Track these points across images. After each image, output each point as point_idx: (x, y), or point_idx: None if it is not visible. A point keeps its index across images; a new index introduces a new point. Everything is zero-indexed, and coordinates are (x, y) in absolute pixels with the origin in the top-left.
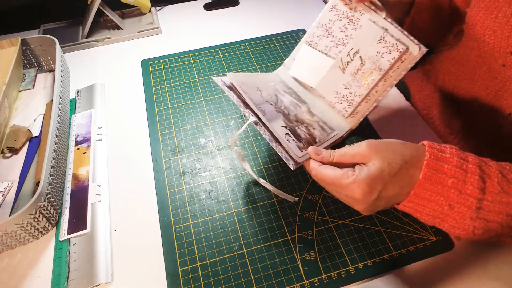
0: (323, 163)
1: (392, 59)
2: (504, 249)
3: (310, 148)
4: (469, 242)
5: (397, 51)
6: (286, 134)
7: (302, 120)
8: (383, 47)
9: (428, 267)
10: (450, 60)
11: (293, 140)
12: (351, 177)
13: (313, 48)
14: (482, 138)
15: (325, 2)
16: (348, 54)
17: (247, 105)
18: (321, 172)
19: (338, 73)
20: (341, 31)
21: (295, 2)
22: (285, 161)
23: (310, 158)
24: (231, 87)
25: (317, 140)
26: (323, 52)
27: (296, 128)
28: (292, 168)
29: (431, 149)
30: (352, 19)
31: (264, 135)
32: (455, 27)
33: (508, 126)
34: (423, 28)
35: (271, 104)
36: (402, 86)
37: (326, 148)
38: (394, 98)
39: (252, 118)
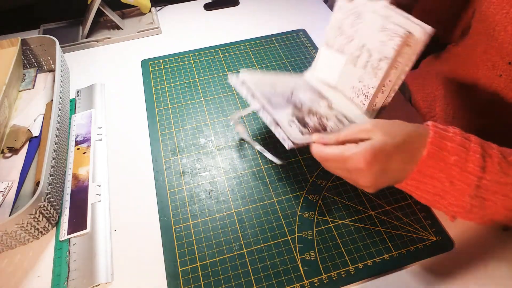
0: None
1: (396, 45)
2: (504, 249)
3: (315, 134)
4: (469, 242)
5: (399, 37)
6: (291, 120)
7: (316, 112)
8: (386, 35)
9: (428, 267)
10: (455, 56)
11: (296, 125)
12: (354, 148)
13: (330, 47)
14: (484, 137)
15: (325, 2)
16: (357, 48)
17: (252, 95)
18: (323, 149)
19: (351, 68)
20: (351, 28)
21: (295, 2)
22: (281, 141)
23: (313, 142)
24: (244, 83)
25: (328, 130)
26: (338, 50)
27: (306, 117)
28: (287, 148)
29: (435, 128)
30: (358, 15)
31: (265, 120)
32: (464, 19)
33: (509, 125)
34: (431, 13)
35: (283, 97)
36: (402, 86)
37: None
38: (395, 98)
39: (256, 104)
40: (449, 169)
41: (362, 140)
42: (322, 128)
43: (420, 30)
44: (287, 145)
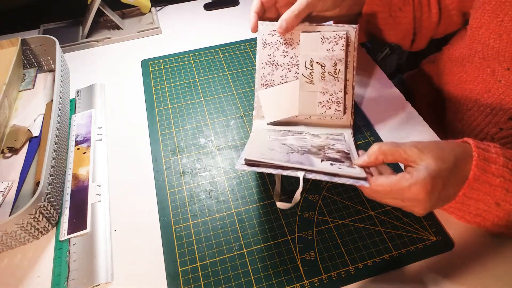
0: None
1: (342, 46)
2: (504, 249)
3: (356, 161)
4: (469, 242)
5: (342, 39)
6: (331, 164)
7: (320, 145)
8: (329, 43)
9: (428, 267)
10: (453, 60)
11: (339, 164)
12: (411, 179)
13: (270, 85)
14: (482, 139)
15: None
16: (306, 67)
17: (278, 168)
18: (376, 182)
19: (309, 87)
20: (285, 57)
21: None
22: (357, 185)
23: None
24: (254, 163)
25: (346, 150)
26: (281, 83)
27: (327, 154)
28: (367, 185)
29: (477, 149)
30: (286, 42)
31: (322, 179)
32: (424, 31)
33: (508, 130)
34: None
35: (292, 152)
36: (402, 86)
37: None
38: (394, 98)
39: (301, 173)
40: (494, 191)
41: (407, 164)
42: (345, 153)
43: (351, 29)
44: (366, 183)
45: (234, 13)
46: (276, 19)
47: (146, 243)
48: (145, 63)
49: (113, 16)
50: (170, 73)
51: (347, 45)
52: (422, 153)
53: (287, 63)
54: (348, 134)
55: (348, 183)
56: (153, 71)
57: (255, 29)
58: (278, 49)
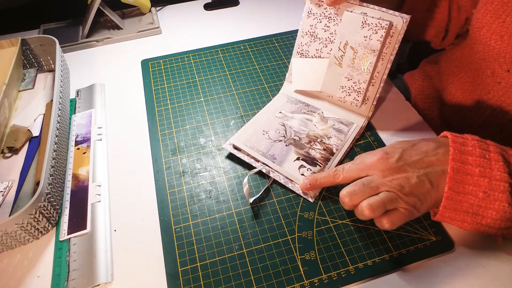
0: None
1: (381, 37)
2: (503, 249)
3: (303, 184)
4: (469, 242)
5: (382, 29)
6: (300, 166)
7: (315, 135)
8: (369, 30)
9: (428, 267)
10: (454, 60)
11: (308, 169)
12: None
13: (305, 56)
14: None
15: None
16: (339, 48)
17: (252, 158)
18: (340, 176)
19: (336, 69)
20: (325, 31)
21: (295, 2)
22: (304, 196)
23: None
24: (237, 148)
25: (334, 150)
26: (315, 56)
27: (310, 150)
28: (311, 201)
29: (454, 144)
30: (330, 17)
31: (279, 180)
32: (454, 28)
33: (508, 131)
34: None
35: (280, 141)
36: (402, 86)
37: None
38: (395, 98)
39: (261, 167)
40: (478, 181)
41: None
42: (329, 152)
43: (399, 19)
44: (311, 198)
45: (234, 13)
46: None
47: (146, 243)
48: (145, 63)
49: (113, 16)
50: (170, 73)
51: (387, 36)
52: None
53: (326, 38)
54: (357, 126)
55: (297, 192)
56: (153, 71)
57: None
58: (321, 22)
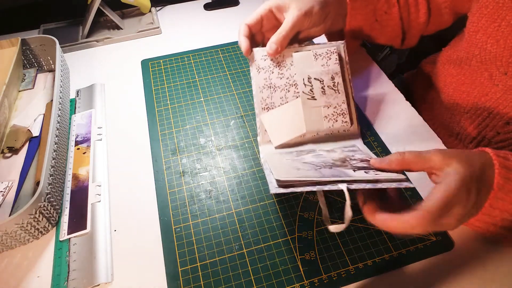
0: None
1: (336, 60)
2: (503, 249)
3: (374, 160)
4: (469, 242)
5: (334, 53)
6: (365, 172)
7: (341, 158)
8: (323, 59)
9: (428, 267)
10: (452, 62)
11: (373, 171)
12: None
13: (272, 108)
14: (479, 142)
15: None
16: (305, 84)
17: (316, 184)
18: (417, 215)
19: (312, 103)
20: (281, 78)
21: None
22: (402, 187)
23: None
24: (287, 185)
25: (368, 158)
26: (283, 104)
27: (353, 164)
28: (412, 186)
29: (497, 158)
30: (280, 64)
31: (365, 188)
32: (413, 31)
33: (505, 134)
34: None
35: (320, 168)
36: (402, 86)
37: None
38: (394, 98)
39: (343, 185)
40: None
41: (434, 173)
42: (367, 161)
43: (339, 44)
44: (406, 184)
45: (234, 13)
46: (263, 44)
47: (146, 243)
48: (145, 63)
49: (113, 16)
50: (170, 73)
51: (340, 59)
52: (447, 157)
53: (285, 84)
54: (360, 143)
55: (391, 187)
56: (153, 71)
57: (247, 52)
58: (273, 72)
